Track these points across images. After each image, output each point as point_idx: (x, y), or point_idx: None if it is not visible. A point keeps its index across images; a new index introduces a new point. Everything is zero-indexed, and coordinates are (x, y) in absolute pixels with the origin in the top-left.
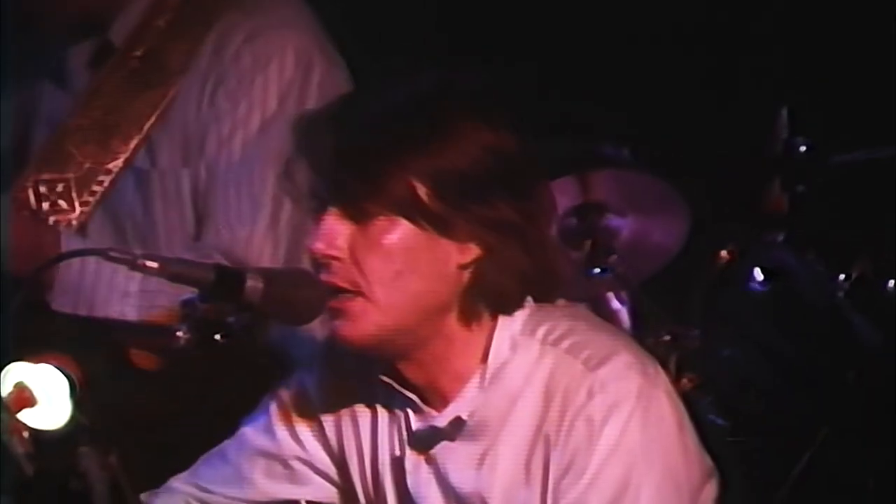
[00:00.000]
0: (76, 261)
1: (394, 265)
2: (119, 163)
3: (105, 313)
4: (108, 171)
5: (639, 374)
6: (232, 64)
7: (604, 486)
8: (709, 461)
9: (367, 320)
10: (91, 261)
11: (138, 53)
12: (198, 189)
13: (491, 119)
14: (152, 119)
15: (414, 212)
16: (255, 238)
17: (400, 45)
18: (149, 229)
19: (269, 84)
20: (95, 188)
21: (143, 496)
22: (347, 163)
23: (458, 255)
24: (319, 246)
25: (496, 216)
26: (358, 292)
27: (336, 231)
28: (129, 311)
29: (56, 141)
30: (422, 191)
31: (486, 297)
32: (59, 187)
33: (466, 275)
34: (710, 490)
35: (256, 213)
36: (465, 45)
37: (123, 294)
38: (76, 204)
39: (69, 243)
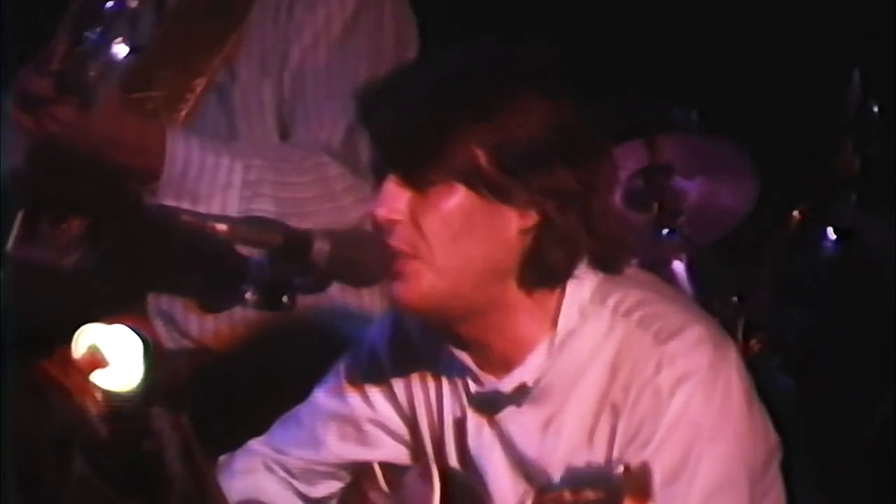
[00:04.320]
0: (181, 153)
1: (453, 229)
2: (202, 81)
3: (207, 207)
4: (193, 89)
5: (710, 349)
6: None
7: (665, 457)
8: (775, 436)
9: (422, 281)
10: (195, 152)
11: None
12: (282, 98)
13: (550, 88)
14: (232, 38)
15: (474, 179)
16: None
17: (460, 15)
18: (226, 142)
19: None
20: (181, 106)
21: (221, 457)
22: (408, 132)
23: (518, 221)
24: (381, 211)
25: (555, 184)
26: (416, 255)
27: (396, 196)
28: (230, 203)
29: (139, 64)
30: (482, 159)
31: (541, 264)
32: (148, 106)
33: (527, 241)
34: (776, 463)
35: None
36: (526, 10)
37: (226, 185)
38: (164, 121)
39: (174, 138)
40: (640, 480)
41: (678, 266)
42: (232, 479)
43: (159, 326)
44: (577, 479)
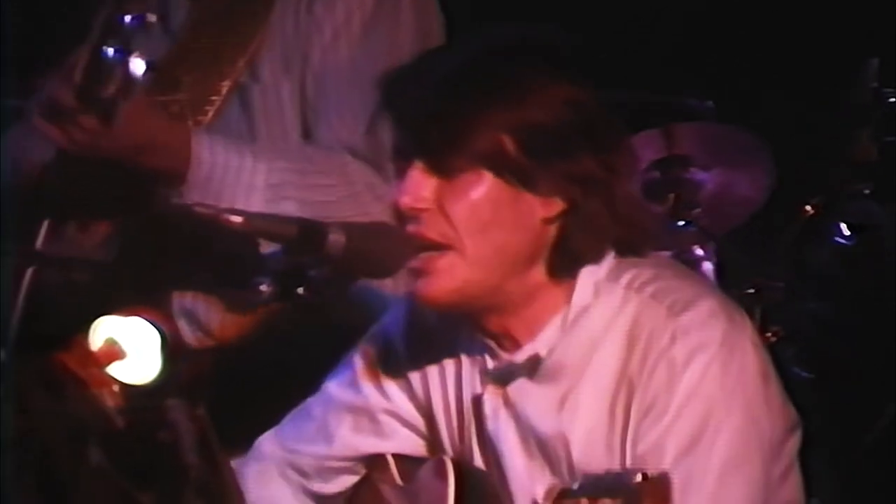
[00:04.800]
0: (206, 156)
1: (482, 217)
2: (228, 83)
3: (231, 205)
4: (218, 92)
5: (724, 321)
6: None
7: (681, 430)
8: (793, 413)
9: (453, 276)
10: (220, 155)
11: None
12: (305, 99)
13: (570, 73)
14: (256, 39)
15: (500, 165)
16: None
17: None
18: (257, 144)
19: None
20: (207, 108)
21: (234, 462)
22: (433, 118)
23: (542, 210)
24: (406, 199)
25: (579, 170)
26: (447, 245)
27: (422, 184)
28: (254, 204)
29: (164, 68)
30: (508, 145)
31: (568, 252)
32: (174, 108)
33: (551, 229)
34: (794, 442)
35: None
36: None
37: (249, 187)
38: (190, 124)
39: (199, 141)
40: (659, 489)
41: (707, 266)
42: (247, 493)
43: (183, 326)
44: (595, 486)
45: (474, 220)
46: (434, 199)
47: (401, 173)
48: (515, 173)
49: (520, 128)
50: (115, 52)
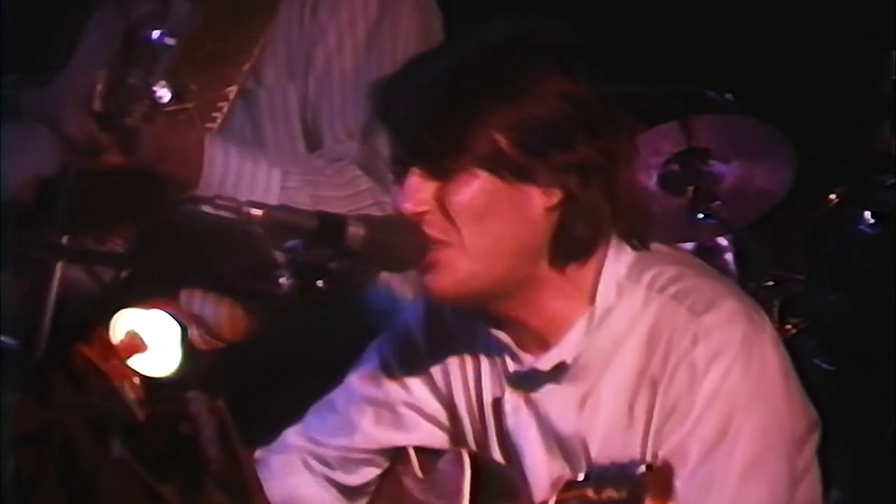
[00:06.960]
0: (219, 161)
1: (479, 211)
2: (234, 89)
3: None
4: (225, 98)
5: (744, 321)
6: None
7: (704, 431)
8: (813, 412)
9: (456, 268)
10: (234, 159)
11: None
12: (307, 103)
13: (566, 67)
14: (260, 43)
15: (496, 164)
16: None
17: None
18: (257, 149)
19: None
20: (215, 115)
21: (258, 452)
22: (427, 122)
23: (543, 199)
24: (407, 206)
25: (577, 159)
26: (448, 242)
27: (421, 188)
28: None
29: (170, 75)
30: (503, 143)
31: (569, 240)
32: (182, 117)
33: (553, 218)
34: (813, 441)
35: None
36: None
37: (265, 191)
38: (201, 130)
39: (212, 146)
40: (662, 480)
41: (728, 256)
42: (271, 481)
43: (191, 330)
44: (601, 477)
45: (471, 214)
46: (433, 201)
47: (399, 179)
48: (512, 169)
49: (514, 126)
50: (140, 80)
